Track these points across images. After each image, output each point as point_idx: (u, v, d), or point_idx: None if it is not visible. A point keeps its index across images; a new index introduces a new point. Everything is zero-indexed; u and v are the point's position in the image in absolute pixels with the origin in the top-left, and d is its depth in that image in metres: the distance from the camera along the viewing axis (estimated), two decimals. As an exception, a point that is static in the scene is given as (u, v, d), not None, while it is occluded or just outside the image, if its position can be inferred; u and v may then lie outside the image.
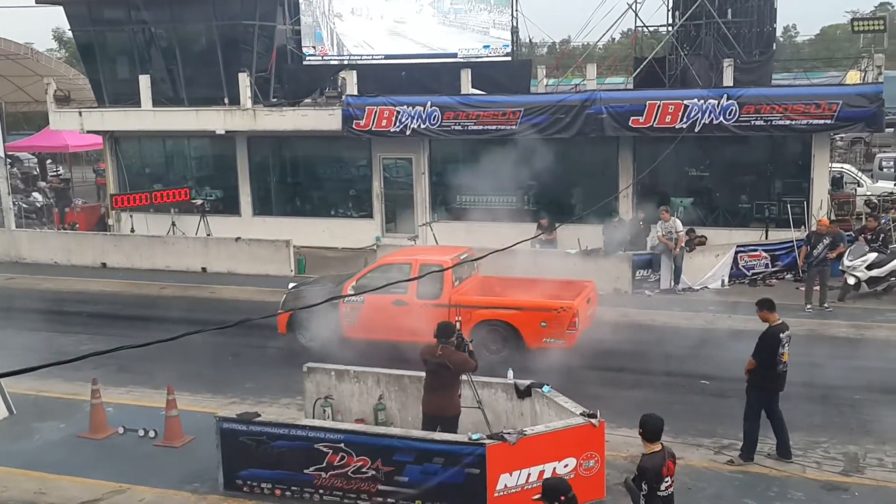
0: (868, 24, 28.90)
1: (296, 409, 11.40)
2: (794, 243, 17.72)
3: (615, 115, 19.05)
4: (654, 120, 18.78)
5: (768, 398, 9.54)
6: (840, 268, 16.65)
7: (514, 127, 19.69)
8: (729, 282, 17.84)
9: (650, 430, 6.74)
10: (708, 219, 20.08)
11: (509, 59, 23.30)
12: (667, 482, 6.59)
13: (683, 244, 17.32)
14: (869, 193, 23.33)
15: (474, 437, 8.47)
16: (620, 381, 12.36)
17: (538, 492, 6.28)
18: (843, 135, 28.31)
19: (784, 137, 19.26)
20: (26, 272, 21.25)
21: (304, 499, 8.95)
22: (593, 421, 8.61)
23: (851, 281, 16.55)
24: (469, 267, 13.99)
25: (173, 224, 22.46)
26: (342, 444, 8.77)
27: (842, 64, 30.68)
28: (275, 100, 24.37)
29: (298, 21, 24.66)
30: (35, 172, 36.14)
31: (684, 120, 18.58)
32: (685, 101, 18.61)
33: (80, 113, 24.27)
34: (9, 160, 27.71)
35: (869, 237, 17.51)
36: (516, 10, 23.26)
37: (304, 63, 24.61)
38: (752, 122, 18.36)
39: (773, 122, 18.28)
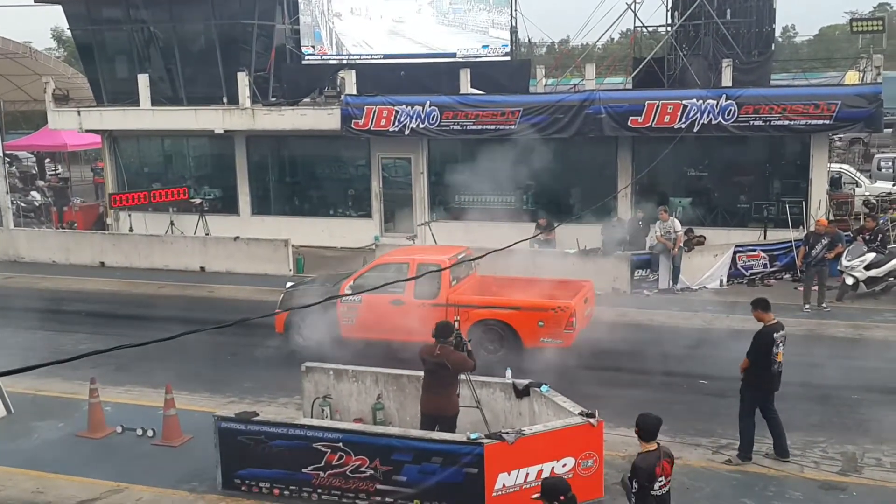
0: (867, 25, 28.99)
1: (294, 408, 11.40)
2: (793, 243, 17.74)
3: (614, 115, 19.05)
4: (653, 120, 18.78)
5: (763, 398, 9.55)
6: (838, 268, 16.67)
7: (512, 127, 19.68)
8: (727, 282, 17.85)
9: (646, 429, 6.76)
10: (706, 219, 20.08)
11: (508, 58, 23.32)
12: (661, 482, 6.60)
13: (682, 244, 17.33)
14: (867, 194, 23.33)
15: (473, 436, 8.47)
16: (619, 381, 12.37)
17: (536, 491, 6.28)
18: (841, 135, 28.34)
19: (783, 138, 19.26)
20: (24, 271, 21.24)
21: (302, 498, 8.95)
22: (592, 420, 8.62)
23: (850, 281, 16.56)
24: (466, 266, 14.00)
25: (172, 223, 22.43)
26: (340, 444, 8.77)
27: (840, 64, 30.68)
28: (274, 99, 24.36)
29: (297, 20, 24.68)
30: (33, 171, 36.11)
31: (683, 120, 18.59)
32: (684, 101, 18.61)
33: (78, 112, 24.24)
34: (7, 159, 27.71)
35: (867, 237, 17.52)
36: (515, 10, 23.34)
37: (303, 62, 24.62)
38: (751, 123, 18.36)
39: (772, 123, 18.28)
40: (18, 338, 14.93)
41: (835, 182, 22.71)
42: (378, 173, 22.42)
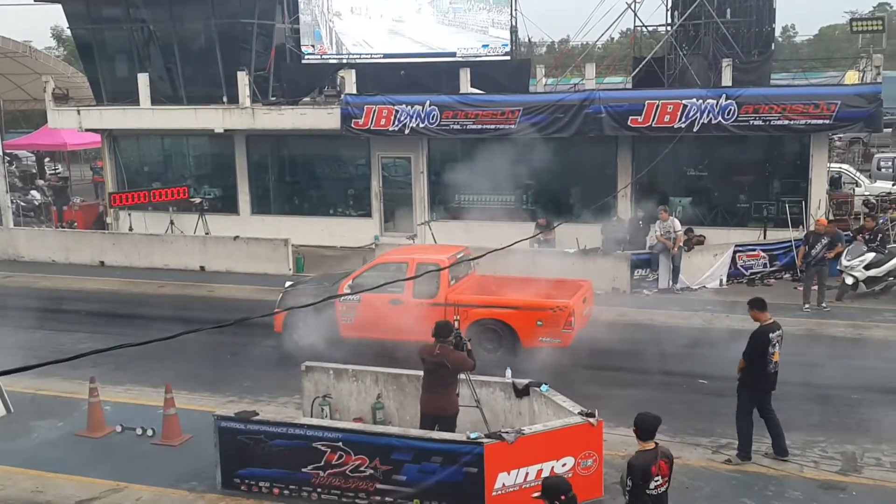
0: (866, 25, 29.00)
1: (294, 407, 11.39)
2: (793, 243, 17.74)
3: (614, 115, 19.05)
4: (653, 119, 18.78)
5: (759, 398, 9.57)
6: (838, 267, 16.67)
7: (512, 126, 19.68)
8: (727, 281, 17.84)
9: (643, 428, 6.78)
10: (706, 218, 20.08)
11: (508, 58, 23.32)
12: (657, 481, 6.60)
13: (682, 243, 17.32)
14: (867, 193, 23.32)
15: (472, 436, 8.47)
16: (619, 381, 12.37)
17: (536, 490, 6.29)
18: (841, 135, 28.33)
19: (782, 137, 19.26)
20: (24, 270, 21.23)
21: (301, 497, 8.95)
22: (591, 420, 8.62)
23: (849, 281, 16.56)
24: (465, 266, 14.01)
25: (171, 223, 22.43)
26: (340, 443, 8.77)
27: (840, 64, 30.63)
28: (273, 98, 24.34)
29: (297, 20, 24.67)
30: (33, 171, 36.07)
31: (683, 119, 18.58)
32: (684, 101, 18.60)
33: (78, 111, 24.24)
34: (7, 158, 27.69)
35: (867, 237, 17.51)
36: (515, 10, 23.35)
37: (303, 62, 24.62)
38: (751, 122, 18.35)
39: (772, 122, 18.28)
40: (18, 337, 14.92)
41: (834, 182, 22.70)
42: (378, 173, 22.41)
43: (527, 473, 8.42)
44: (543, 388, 9.59)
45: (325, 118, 21.53)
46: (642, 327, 15.12)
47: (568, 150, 20.25)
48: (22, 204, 28.03)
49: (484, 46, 23.23)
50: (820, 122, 18.11)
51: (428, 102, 20.45)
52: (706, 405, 11.40)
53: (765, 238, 18.78)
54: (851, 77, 22.17)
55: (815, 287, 16.00)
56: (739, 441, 9.67)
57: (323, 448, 8.81)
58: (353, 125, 20.99)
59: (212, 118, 22.71)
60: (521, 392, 9.88)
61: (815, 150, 19.26)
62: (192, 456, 10.01)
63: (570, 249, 17.76)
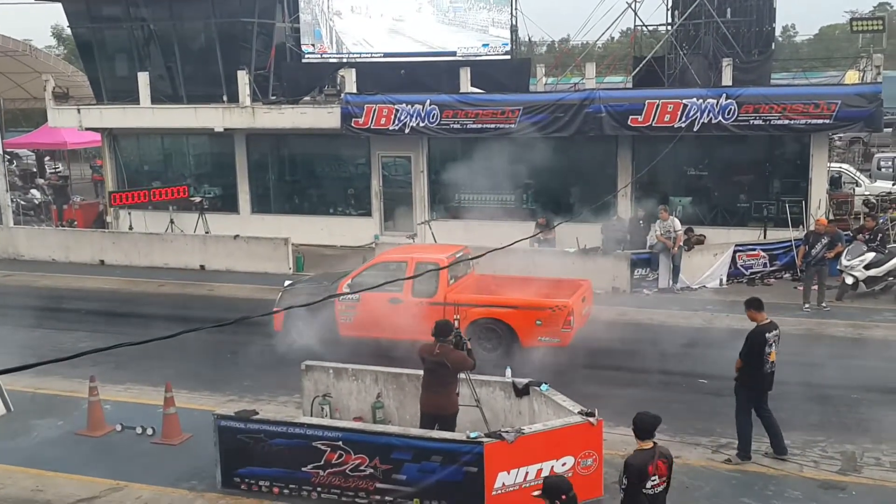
0: (867, 24, 28.96)
1: (294, 406, 11.39)
2: (793, 243, 17.74)
3: (614, 114, 19.05)
4: (653, 119, 18.79)
5: (757, 397, 9.57)
6: (838, 267, 16.67)
7: (513, 125, 19.68)
8: (727, 281, 17.84)
9: (641, 427, 6.78)
10: (706, 218, 20.09)
11: (508, 57, 23.30)
12: (653, 481, 6.60)
13: (682, 243, 17.32)
14: (867, 193, 23.32)
15: (472, 435, 8.47)
16: (619, 380, 12.37)
17: (536, 490, 6.28)
18: (841, 134, 28.33)
19: (782, 137, 19.26)
20: (24, 269, 21.23)
21: (301, 497, 8.94)
22: (591, 419, 8.62)
23: (849, 280, 16.56)
24: (464, 265, 14.01)
25: (172, 221, 22.44)
26: (340, 442, 8.77)
27: (840, 64, 30.65)
28: (274, 98, 24.34)
29: (297, 19, 24.65)
30: (33, 169, 36.08)
31: (683, 119, 18.59)
32: (684, 101, 18.61)
33: (78, 110, 24.24)
34: (7, 157, 27.69)
35: (867, 237, 17.51)
36: (515, 9, 23.31)
37: (303, 61, 24.60)
38: (751, 122, 18.36)
39: (772, 122, 18.29)
40: (18, 336, 14.91)
41: (835, 181, 22.70)
42: (378, 172, 22.41)
43: (527, 473, 8.42)
44: (543, 387, 9.59)
45: (325, 117, 21.54)
46: (642, 327, 15.11)
47: (568, 149, 20.24)
48: (22, 203, 28.03)
49: (484, 46, 23.22)
50: (820, 121, 18.11)
51: (428, 102, 20.45)
52: (706, 405, 11.41)
53: (765, 238, 18.78)
54: (851, 77, 22.17)
55: (815, 287, 16.00)
56: (739, 441, 9.68)
57: (323, 447, 8.81)
58: (353, 124, 20.99)
59: (212, 117, 22.71)
60: (521, 391, 9.88)
61: (815, 150, 19.26)
62: (191, 455, 10.01)
63: (570, 249, 17.76)
